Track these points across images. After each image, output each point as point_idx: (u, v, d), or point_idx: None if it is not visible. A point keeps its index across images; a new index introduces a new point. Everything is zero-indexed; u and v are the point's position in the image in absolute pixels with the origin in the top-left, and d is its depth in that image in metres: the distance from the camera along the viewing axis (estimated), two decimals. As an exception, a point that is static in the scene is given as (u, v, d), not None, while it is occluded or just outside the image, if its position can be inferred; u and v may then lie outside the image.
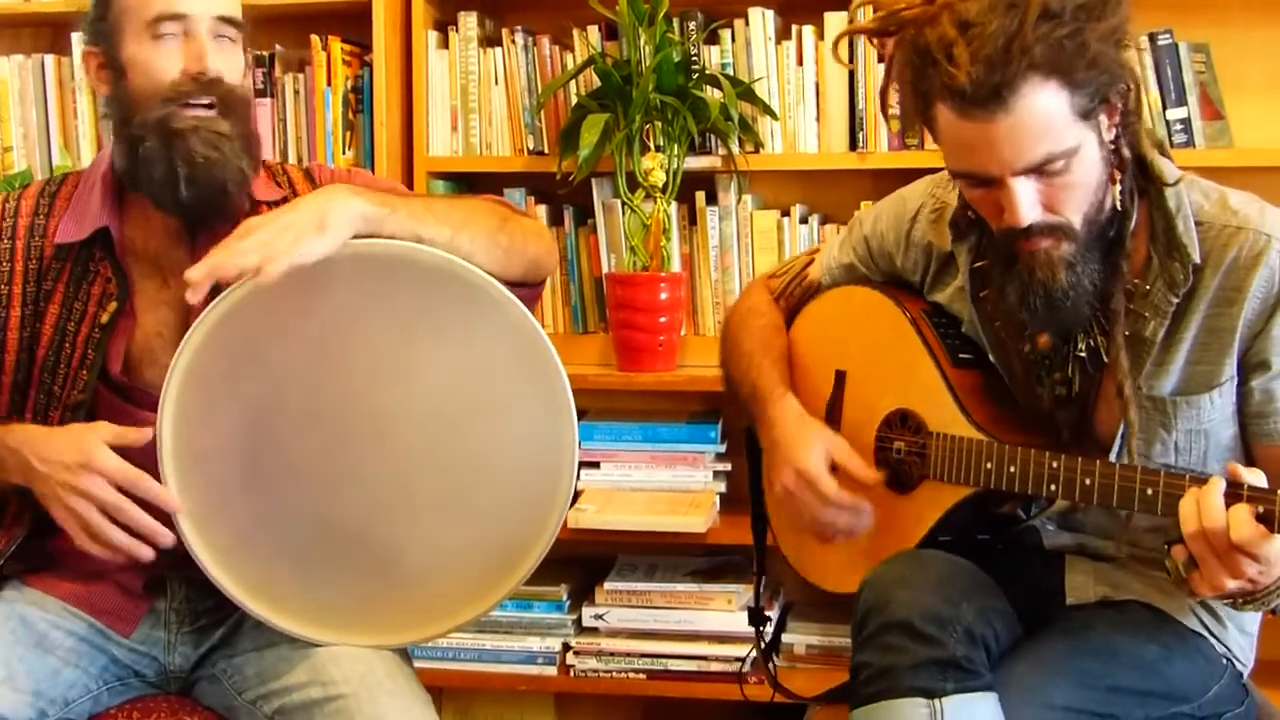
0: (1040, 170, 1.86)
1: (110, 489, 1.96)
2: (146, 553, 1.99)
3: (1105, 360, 2.03)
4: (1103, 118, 1.90)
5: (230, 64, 2.12)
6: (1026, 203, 1.88)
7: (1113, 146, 1.94)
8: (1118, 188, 1.96)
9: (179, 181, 2.06)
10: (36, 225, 2.18)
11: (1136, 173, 1.99)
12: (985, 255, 2.10)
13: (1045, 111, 1.82)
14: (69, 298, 2.14)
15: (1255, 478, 1.76)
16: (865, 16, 2.03)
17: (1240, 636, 2.12)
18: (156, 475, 1.97)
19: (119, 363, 2.12)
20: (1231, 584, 1.76)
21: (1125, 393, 1.98)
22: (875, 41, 2.07)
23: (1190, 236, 1.97)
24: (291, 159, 3.41)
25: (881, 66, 3.16)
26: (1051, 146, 1.84)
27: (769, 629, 2.59)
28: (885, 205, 2.34)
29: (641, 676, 3.22)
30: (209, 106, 2.08)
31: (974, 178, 1.92)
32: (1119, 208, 1.97)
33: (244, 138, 2.12)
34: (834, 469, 2.18)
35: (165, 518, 1.98)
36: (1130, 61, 1.90)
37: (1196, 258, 1.96)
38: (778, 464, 2.24)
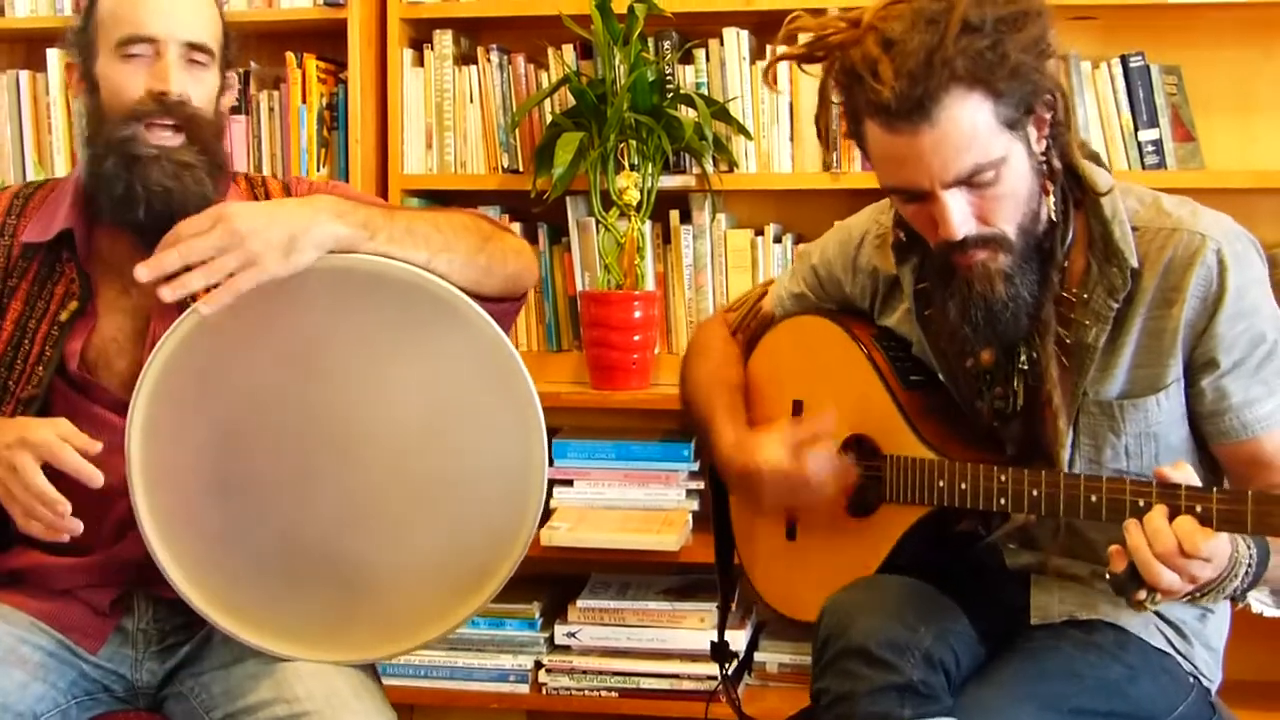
0: (969, 182, 1.88)
1: (27, 457, 1.92)
2: (66, 512, 1.93)
3: None
4: (1030, 129, 1.92)
5: (199, 88, 2.14)
6: (958, 215, 1.90)
7: (1043, 158, 1.96)
8: (1051, 199, 1.98)
9: (138, 204, 2.08)
10: (7, 225, 2.20)
11: (1070, 184, 2.01)
12: (927, 276, 2.12)
13: (970, 122, 1.84)
14: (32, 295, 2.16)
15: (1182, 475, 1.78)
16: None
17: (1206, 654, 2.12)
18: (124, 486, 1.95)
19: (75, 360, 2.13)
20: (1188, 588, 1.78)
21: (1055, 403, 2.00)
22: (803, 68, 2.09)
23: (1127, 242, 1.98)
24: (266, 176, 3.42)
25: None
26: (978, 157, 1.86)
27: (733, 665, 2.60)
28: (831, 235, 2.36)
29: (614, 694, 3.21)
30: (174, 129, 2.10)
31: (905, 192, 1.95)
32: (1053, 218, 1.99)
33: (210, 164, 2.13)
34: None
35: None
36: (1055, 72, 1.92)
37: (1134, 262, 1.98)
38: (755, 486, 2.22)
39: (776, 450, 2.17)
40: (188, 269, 1.85)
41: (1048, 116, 1.94)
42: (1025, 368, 2.06)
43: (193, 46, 2.13)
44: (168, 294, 1.85)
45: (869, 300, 2.28)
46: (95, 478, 1.92)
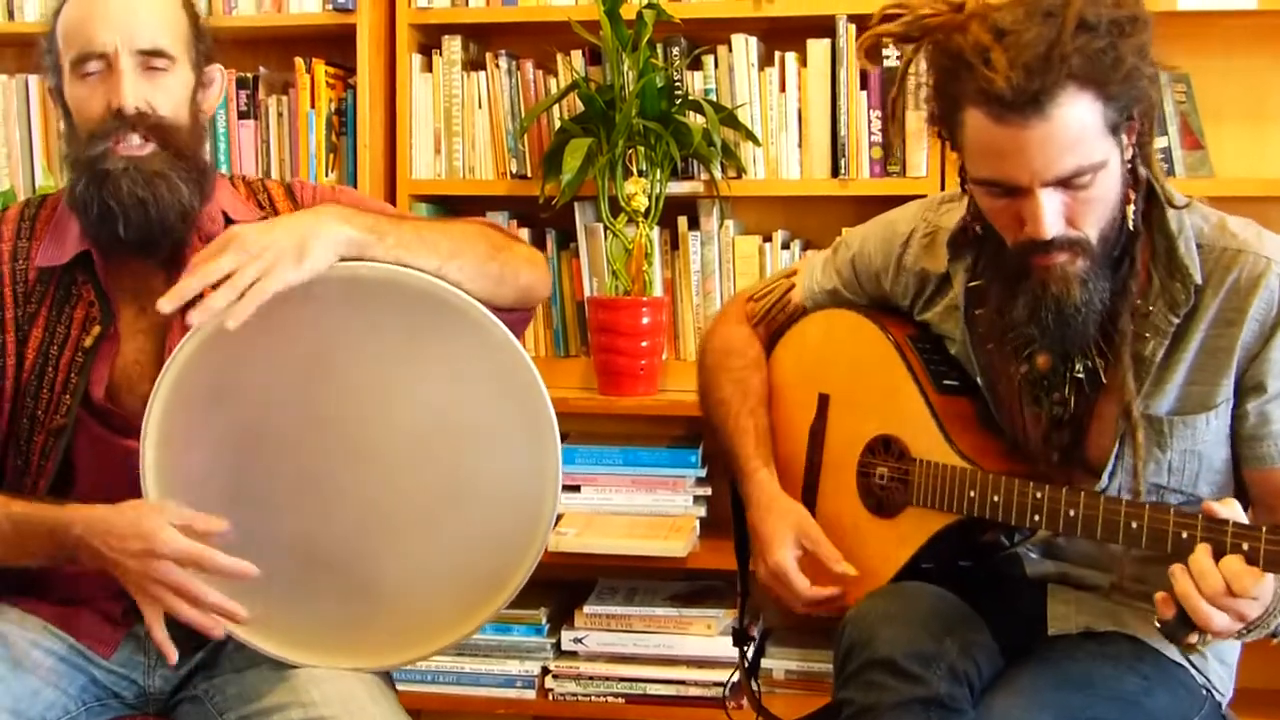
0: (1067, 182, 1.87)
1: (176, 571, 1.90)
2: (219, 631, 1.95)
3: (1103, 382, 2.03)
4: (1124, 135, 1.90)
5: (163, 95, 2.09)
6: (1051, 214, 1.88)
7: (1130, 166, 1.94)
8: (1131, 207, 1.97)
9: (115, 221, 2.05)
10: (20, 249, 2.17)
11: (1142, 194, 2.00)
12: (982, 274, 2.10)
13: (1079, 122, 1.83)
14: (51, 321, 2.13)
15: (1229, 511, 1.77)
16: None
17: (1220, 667, 2.12)
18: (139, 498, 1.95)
19: (101, 388, 2.11)
20: (1238, 626, 1.77)
21: (1133, 415, 1.99)
22: (903, 48, 2.05)
23: (1192, 258, 1.97)
24: (274, 180, 3.41)
25: (864, 94, 3.21)
26: (1082, 159, 1.85)
27: (751, 648, 2.58)
28: (873, 228, 2.33)
29: (620, 700, 3.21)
30: (144, 138, 2.07)
31: (1000, 186, 1.91)
32: (1131, 228, 1.97)
33: (187, 169, 2.09)
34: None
35: None
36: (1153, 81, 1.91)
37: (1199, 278, 1.96)
38: (755, 552, 2.27)
39: (788, 555, 2.21)
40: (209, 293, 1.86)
41: (1139, 125, 1.93)
42: (1081, 376, 2.05)
43: (148, 54, 2.08)
44: (195, 318, 1.86)
45: (910, 299, 2.25)
46: (247, 569, 1.93)
